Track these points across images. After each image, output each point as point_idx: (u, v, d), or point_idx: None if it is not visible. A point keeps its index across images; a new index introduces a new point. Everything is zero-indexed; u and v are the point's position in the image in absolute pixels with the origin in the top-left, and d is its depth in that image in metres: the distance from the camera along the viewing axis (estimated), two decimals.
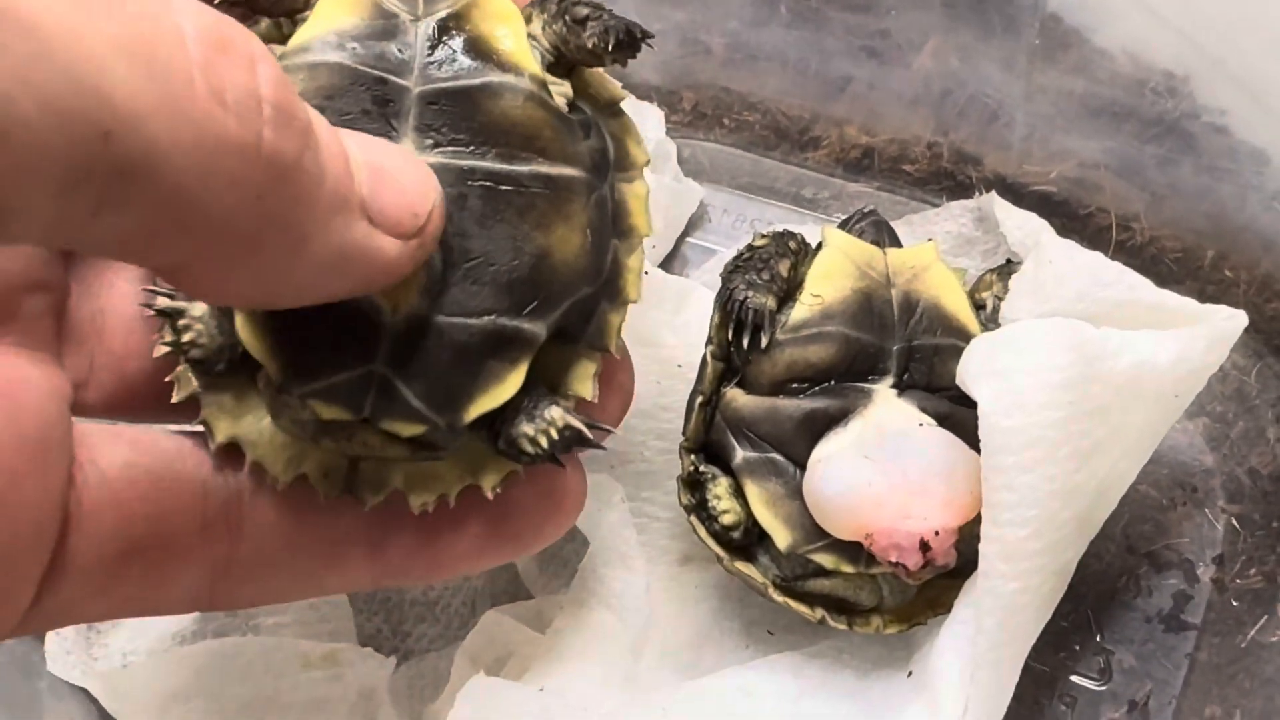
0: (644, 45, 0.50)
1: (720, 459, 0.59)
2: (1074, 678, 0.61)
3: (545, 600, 0.64)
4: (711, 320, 0.59)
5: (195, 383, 0.47)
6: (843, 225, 0.64)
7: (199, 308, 0.46)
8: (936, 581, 0.56)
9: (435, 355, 0.45)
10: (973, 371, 0.52)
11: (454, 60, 0.48)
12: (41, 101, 0.28)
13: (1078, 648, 0.62)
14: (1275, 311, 0.64)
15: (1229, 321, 0.54)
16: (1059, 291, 0.56)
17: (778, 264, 0.58)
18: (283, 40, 0.48)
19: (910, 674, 0.58)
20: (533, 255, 0.46)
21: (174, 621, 0.64)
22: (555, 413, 0.48)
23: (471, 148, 0.46)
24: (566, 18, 0.50)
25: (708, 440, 0.59)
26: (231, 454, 0.48)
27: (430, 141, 0.46)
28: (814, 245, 0.61)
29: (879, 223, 0.63)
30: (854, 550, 0.55)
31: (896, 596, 0.58)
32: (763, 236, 0.60)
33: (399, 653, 0.65)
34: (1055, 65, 0.64)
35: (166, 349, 0.47)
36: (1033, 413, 0.50)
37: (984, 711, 0.53)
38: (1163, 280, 0.63)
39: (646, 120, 0.73)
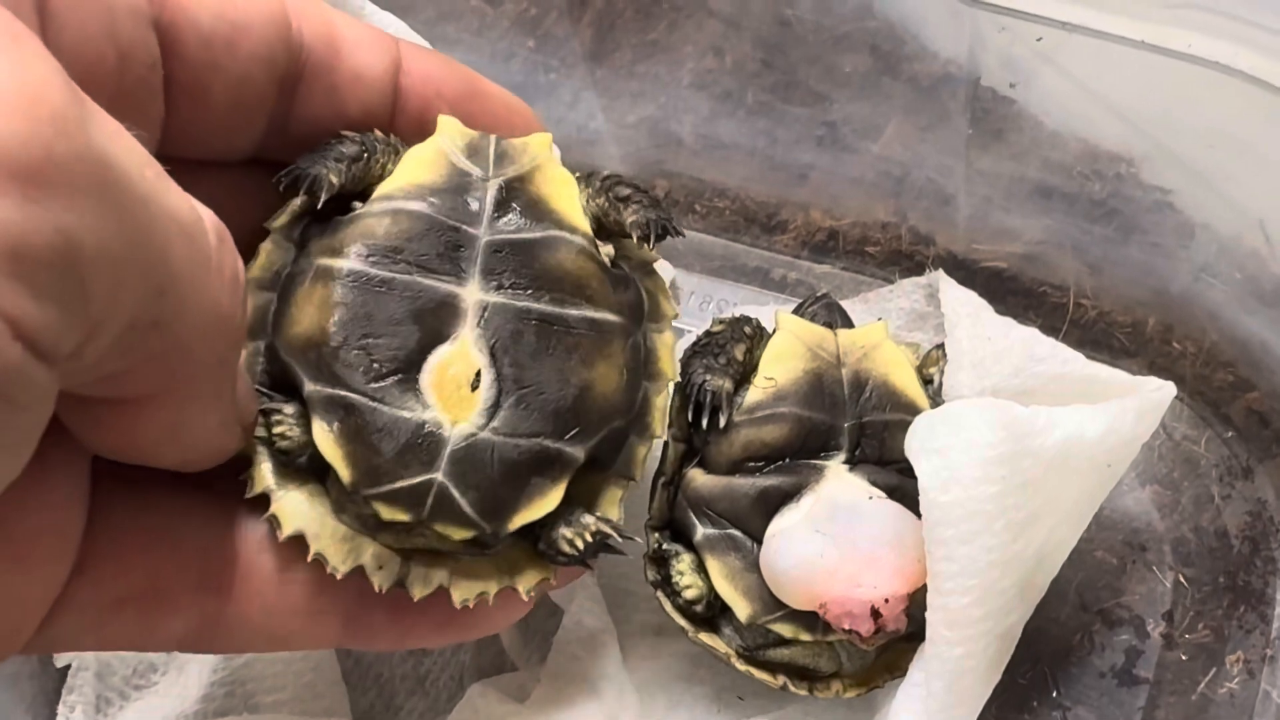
0: (674, 233, 0.58)
1: (683, 536, 0.62)
2: None
3: (527, 672, 0.67)
4: (672, 403, 0.62)
5: (269, 480, 0.51)
6: (797, 310, 0.67)
7: (291, 406, 0.52)
8: (893, 645, 0.59)
9: (488, 469, 0.51)
10: (914, 448, 0.55)
11: (518, 215, 0.54)
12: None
13: (1036, 704, 0.64)
14: (1222, 381, 0.66)
15: (1158, 392, 0.57)
16: (997, 367, 0.59)
17: (734, 348, 0.62)
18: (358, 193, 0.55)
19: None
20: (577, 387, 0.53)
21: (179, 702, 0.68)
22: (589, 520, 0.55)
23: (530, 291, 0.53)
24: (610, 195, 0.57)
25: (671, 518, 0.62)
26: (296, 545, 0.52)
27: (494, 283, 0.53)
28: (769, 329, 0.64)
29: (831, 305, 0.66)
30: (811, 619, 0.58)
31: (855, 661, 0.61)
32: (720, 322, 0.63)
33: None
34: (996, 149, 0.67)
35: (257, 440, 0.52)
36: (968, 487, 0.53)
37: None
38: (1116, 355, 0.67)
39: None
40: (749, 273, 0.77)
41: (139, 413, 0.41)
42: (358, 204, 0.54)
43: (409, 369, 0.52)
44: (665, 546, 0.61)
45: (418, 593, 0.53)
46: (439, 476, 0.51)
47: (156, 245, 0.36)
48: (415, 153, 0.55)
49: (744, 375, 0.62)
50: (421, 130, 0.56)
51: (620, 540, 0.56)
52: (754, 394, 0.60)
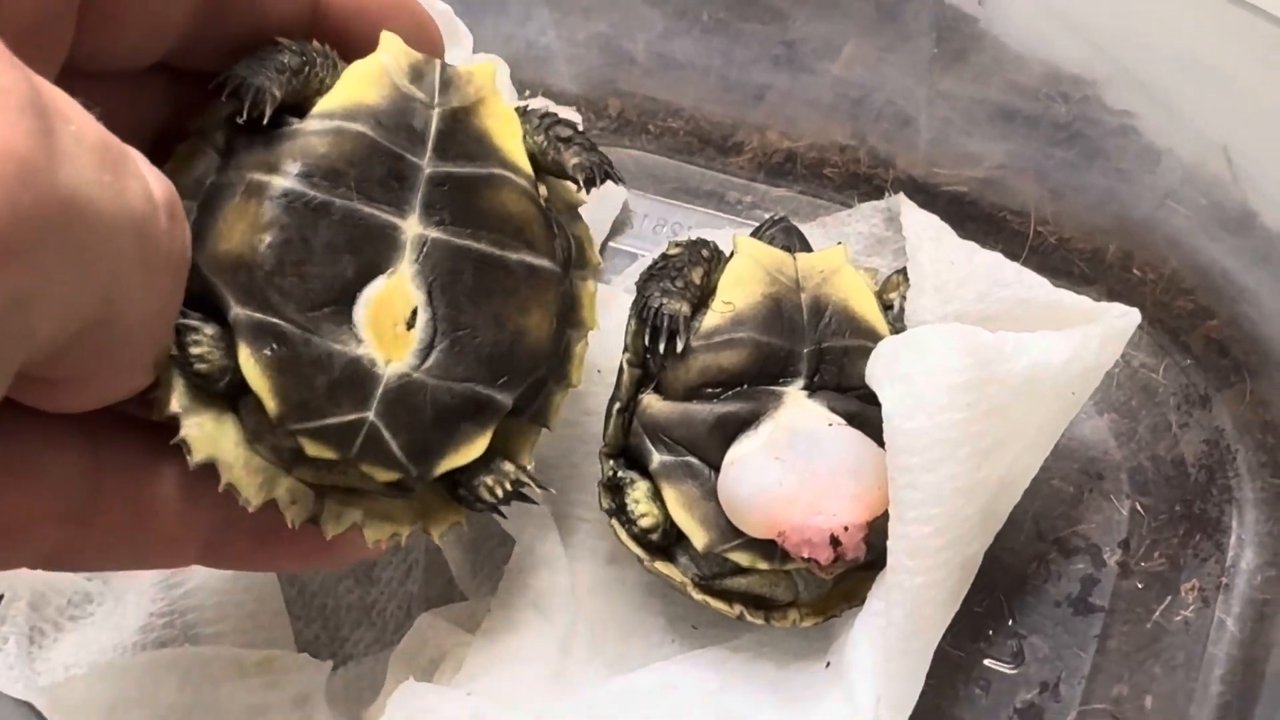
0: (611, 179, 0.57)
1: (639, 463, 0.60)
2: (988, 662, 0.64)
3: (477, 602, 0.66)
4: (628, 327, 0.61)
5: (177, 404, 0.49)
6: (754, 232, 0.65)
7: (211, 327, 0.49)
8: (851, 574, 0.58)
9: (420, 412, 0.51)
10: (878, 375, 0.54)
11: (462, 148, 0.53)
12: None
13: (991, 633, 0.64)
14: (1181, 310, 0.66)
15: (1122, 319, 0.56)
16: (960, 292, 0.58)
17: (691, 271, 0.60)
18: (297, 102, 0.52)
19: (828, 664, 0.59)
20: (512, 334, 0.53)
21: (115, 633, 0.66)
22: (509, 468, 0.55)
23: (471, 229, 0.52)
24: (550, 134, 0.56)
25: (626, 445, 0.61)
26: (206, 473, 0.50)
27: (435, 219, 0.51)
28: (727, 253, 0.62)
29: (789, 229, 0.65)
30: (769, 548, 0.57)
31: (812, 590, 0.60)
32: (676, 245, 0.61)
33: (336, 658, 0.67)
34: (959, 70, 0.65)
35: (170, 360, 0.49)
36: (933, 414, 0.52)
37: (896, 698, 0.55)
38: (1075, 281, 0.66)
39: None
40: (703, 195, 0.75)
41: (66, 386, 0.40)
42: (293, 119, 0.52)
43: (343, 300, 0.50)
44: (620, 474, 0.60)
45: (330, 530, 0.52)
46: (370, 416, 0.50)
47: (108, 262, 0.36)
48: (357, 69, 0.53)
49: (701, 299, 0.60)
50: (340, 48, 0.54)
51: (537, 490, 0.56)
52: (711, 319, 0.59)
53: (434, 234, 0.51)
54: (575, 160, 0.56)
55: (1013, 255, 0.66)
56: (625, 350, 0.61)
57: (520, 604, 0.63)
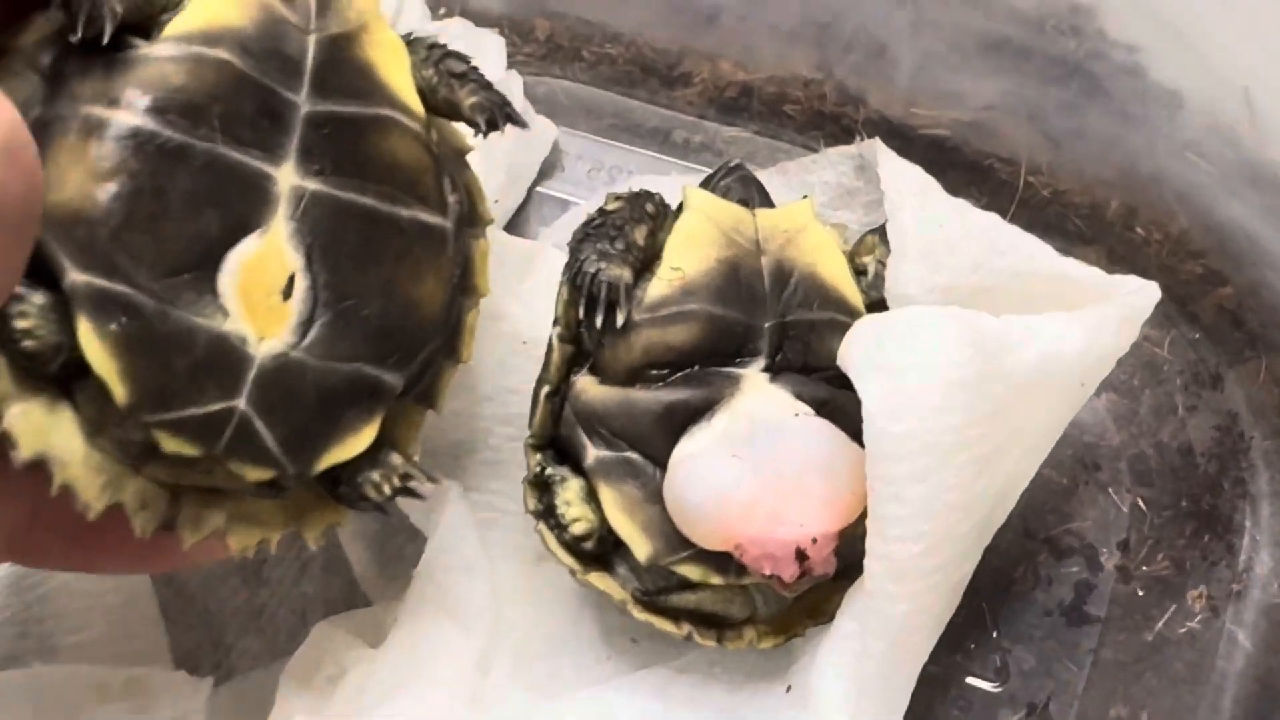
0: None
1: (571, 457, 0.52)
2: (969, 679, 0.56)
3: (383, 608, 0.58)
4: (559, 296, 0.52)
5: (4, 386, 0.41)
6: (705, 182, 0.56)
7: (40, 296, 0.41)
8: (816, 586, 0.50)
9: (299, 398, 0.44)
10: (856, 361, 0.46)
11: (344, 83, 0.45)
12: None
13: (973, 646, 0.56)
14: (1190, 274, 0.58)
15: (1139, 295, 0.48)
16: (950, 260, 0.49)
17: (633, 230, 0.51)
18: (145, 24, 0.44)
19: (789, 689, 0.52)
20: (403, 305, 0.46)
21: None
22: (397, 460, 0.48)
23: (356, 180, 0.45)
24: (441, 68, 0.49)
25: (556, 435, 0.52)
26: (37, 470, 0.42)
27: (316, 167, 0.44)
28: (674, 207, 0.53)
29: (746, 178, 0.56)
30: (723, 560, 0.49)
31: (771, 605, 0.52)
32: (616, 198, 0.53)
33: (219, 671, 0.60)
34: None
35: None
36: (926, 416, 0.43)
37: None
38: (1070, 240, 0.58)
39: (486, 51, 0.64)
40: (645, 134, 0.66)
41: None
42: (137, 40, 0.43)
43: (206, 264, 0.42)
44: (549, 471, 0.52)
45: (188, 538, 0.45)
46: (241, 404, 0.43)
47: None
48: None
49: (645, 263, 0.52)
50: None
51: (427, 485, 0.50)
52: (658, 287, 0.50)
53: (313, 185, 0.44)
54: (472, 100, 0.49)
55: (999, 209, 0.58)
56: (555, 323, 0.52)
57: (432, 613, 0.55)
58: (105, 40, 0.41)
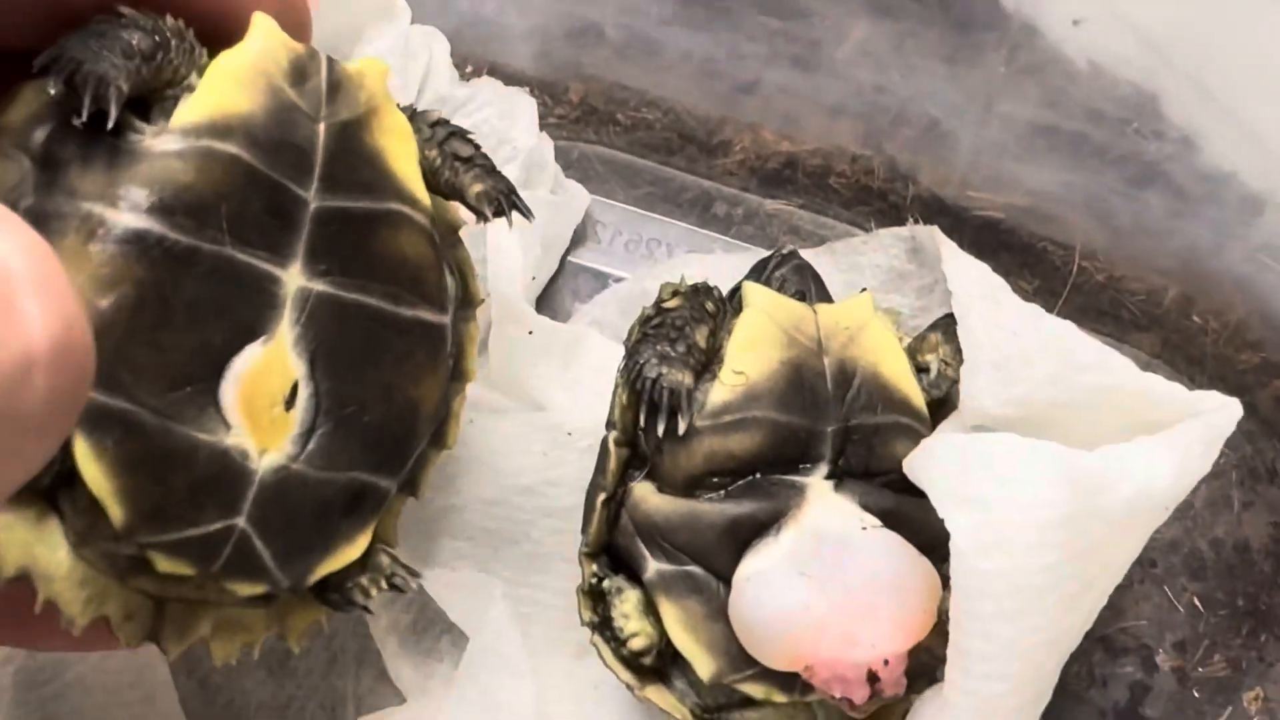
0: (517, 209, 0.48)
1: (626, 565, 0.50)
2: None
3: (420, 704, 0.55)
4: (615, 397, 0.50)
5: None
6: (758, 269, 0.54)
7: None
8: None
9: (297, 512, 0.42)
10: (939, 486, 0.44)
11: (353, 176, 0.43)
12: None
13: None
14: (1247, 364, 0.56)
15: (1221, 414, 0.47)
16: (1026, 373, 0.48)
17: (694, 331, 0.49)
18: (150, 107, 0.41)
19: None
20: (402, 409, 0.44)
21: None
22: (385, 562, 0.47)
23: (360, 280, 0.43)
24: (445, 150, 0.47)
25: (611, 542, 0.50)
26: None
27: (322, 267, 0.42)
28: (725, 293, 0.52)
29: (802, 268, 0.54)
30: (788, 679, 0.48)
31: (833, 719, 0.51)
32: (674, 293, 0.50)
33: None
34: (1024, 90, 0.54)
35: None
36: (1018, 556, 0.42)
37: None
38: (1123, 327, 0.56)
39: (517, 114, 0.61)
40: (684, 205, 0.63)
41: None
42: (141, 125, 0.40)
43: (209, 375, 0.40)
44: (606, 582, 0.50)
45: (172, 650, 0.43)
46: (241, 523, 0.41)
47: None
48: (226, 65, 0.41)
49: (704, 364, 0.49)
50: (196, 28, 0.42)
51: (411, 582, 0.47)
52: (720, 392, 0.48)
53: (319, 287, 0.42)
54: (478, 188, 0.47)
55: (1051, 293, 0.57)
56: (611, 425, 0.50)
57: (475, 716, 0.53)
58: (110, 125, 0.38)
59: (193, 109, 0.40)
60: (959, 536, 0.42)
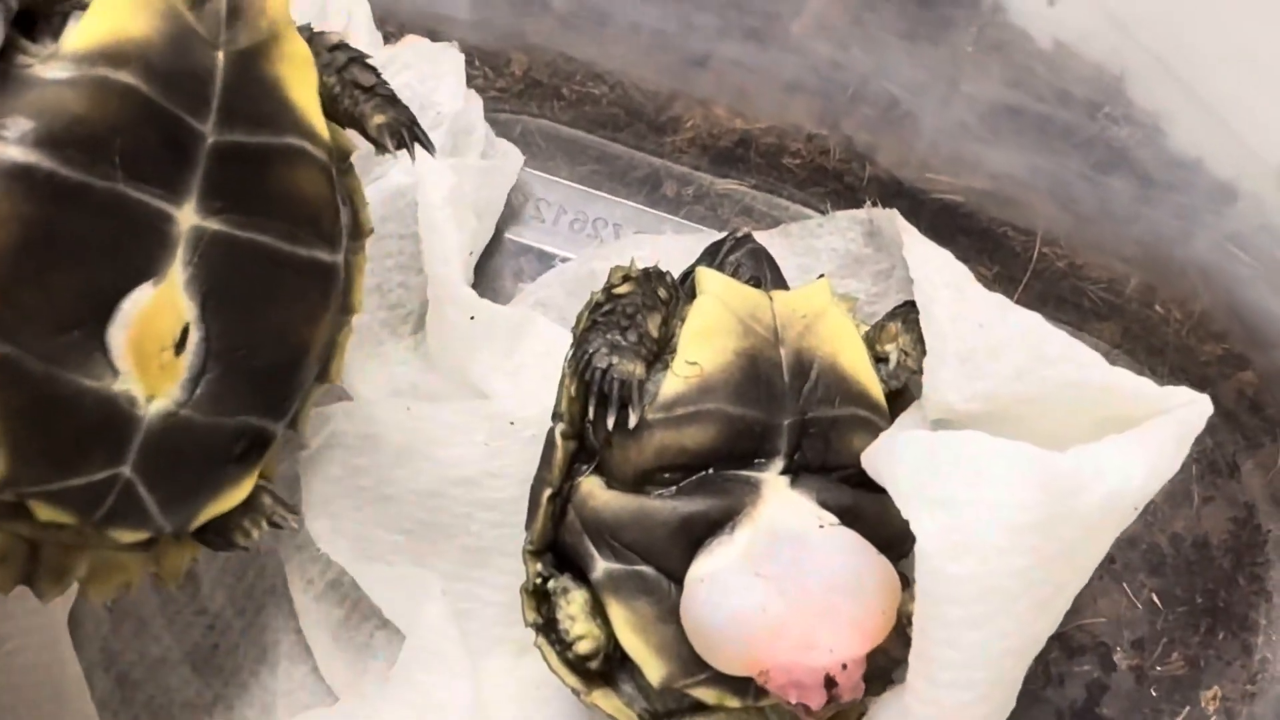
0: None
1: (571, 564, 0.48)
2: None
3: (353, 704, 0.53)
4: (562, 388, 0.47)
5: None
6: (711, 253, 0.52)
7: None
8: None
9: (183, 457, 0.41)
10: (903, 488, 0.42)
11: (252, 107, 0.41)
12: None
13: None
14: (1210, 356, 0.55)
15: (1191, 410, 0.45)
16: (992, 367, 0.46)
17: (646, 319, 0.47)
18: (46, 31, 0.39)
19: None
20: (294, 350, 0.43)
21: None
22: (266, 501, 0.46)
23: (256, 218, 0.41)
24: (344, 76, 0.45)
25: (556, 540, 0.48)
26: None
27: (218, 204, 0.40)
28: (679, 280, 0.49)
29: (757, 252, 0.52)
30: (741, 683, 0.46)
31: None
32: (626, 279, 0.48)
33: None
34: (992, 69, 0.52)
35: None
36: (989, 559, 0.40)
37: None
38: (1084, 316, 0.55)
39: (442, 75, 0.58)
40: (632, 184, 0.60)
41: None
42: (30, 47, 0.37)
43: (97, 317, 0.38)
44: (551, 582, 0.47)
45: (48, 594, 0.42)
46: (126, 470, 0.40)
47: None
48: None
49: (656, 353, 0.47)
50: None
51: (292, 520, 0.47)
52: (673, 384, 0.46)
53: (214, 226, 0.40)
54: (379, 119, 0.46)
55: (1010, 279, 0.56)
56: (558, 417, 0.47)
57: (410, 718, 0.50)
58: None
59: (86, 33, 0.37)
60: (925, 539, 0.40)
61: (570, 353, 0.47)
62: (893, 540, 0.47)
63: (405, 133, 0.46)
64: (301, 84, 0.42)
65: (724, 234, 0.53)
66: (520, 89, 0.60)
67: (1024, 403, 0.45)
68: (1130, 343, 0.53)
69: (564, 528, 0.47)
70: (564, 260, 0.59)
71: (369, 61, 0.46)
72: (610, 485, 0.47)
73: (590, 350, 0.46)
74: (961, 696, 0.41)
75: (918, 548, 0.41)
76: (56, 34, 0.38)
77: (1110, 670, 0.54)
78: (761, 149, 0.59)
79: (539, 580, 0.48)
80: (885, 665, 0.47)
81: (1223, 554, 0.55)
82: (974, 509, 0.40)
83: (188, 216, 0.39)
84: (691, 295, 0.49)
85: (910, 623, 0.44)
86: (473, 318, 0.52)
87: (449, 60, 0.59)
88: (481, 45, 0.60)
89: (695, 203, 0.60)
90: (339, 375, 0.48)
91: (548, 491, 0.47)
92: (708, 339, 0.47)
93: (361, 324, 0.55)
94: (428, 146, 0.47)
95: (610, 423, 0.45)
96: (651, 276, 0.48)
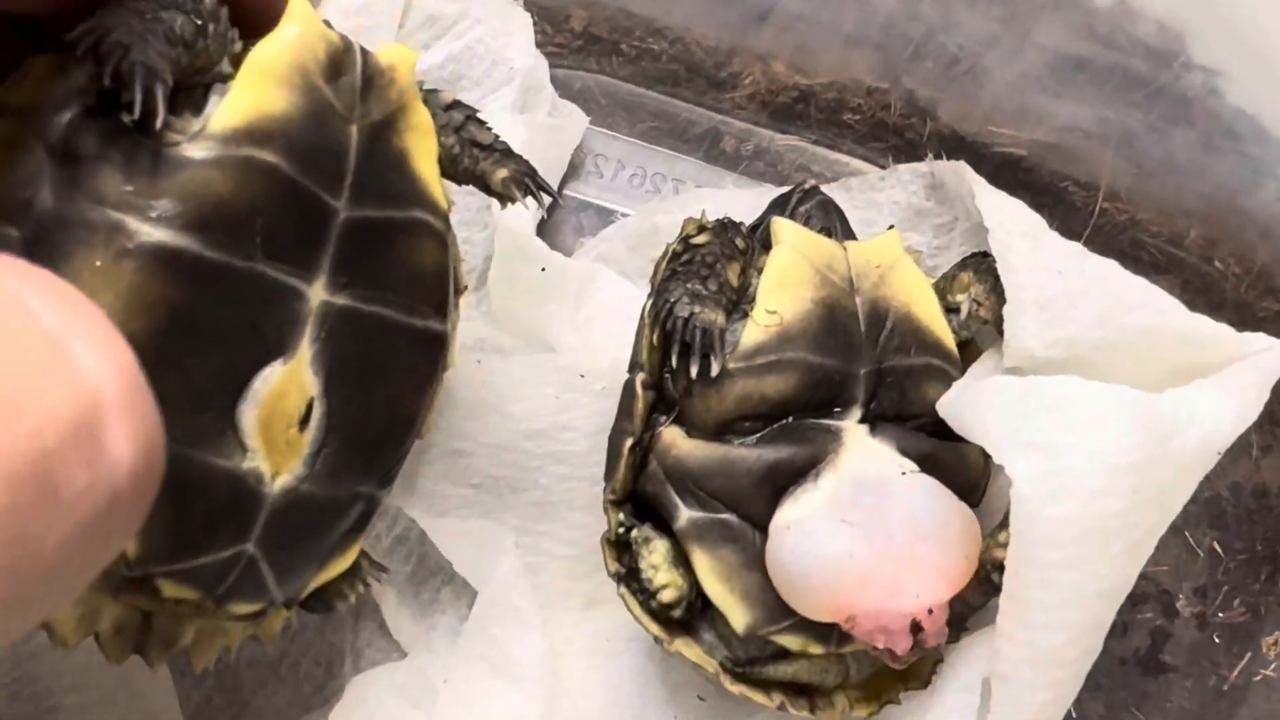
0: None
1: (653, 514, 0.48)
2: None
3: (427, 662, 0.53)
4: (641, 337, 0.47)
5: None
6: (779, 204, 0.52)
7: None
8: None
9: (300, 530, 0.41)
10: (996, 433, 0.42)
11: (381, 183, 0.41)
12: None
13: None
14: (1267, 311, 0.55)
15: (1270, 355, 0.45)
16: (1072, 313, 0.46)
17: (725, 269, 0.47)
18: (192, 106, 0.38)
19: None
20: (405, 423, 0.43)
21: None
22: (365, 565, 0.47)
23: (379, 291, 0.41)
24: (462, 135, 0.45)
25: (636, 490, 0.48)
26: None
27: (344, 280, 0.40)
28: (755, 231, 0.49)
29: (827, 204, 0.52)
30: (824, 629, 0.46)
31: (864, 670, 0.49)
32: (701, 229, 0.48)
33: None
34: (1060, 18, 0.52)
35: None
36: (1088, 501, 0.40)
37: None
38: (1143, 270, 0.55)
39: (513, 33, 0.58)
40: (691, 140, 0.60)
41: None
42: (176, 122, 0.36)
43: (231, 397, 0.38)
44: (634, 531, 0.47)
45: (155, 661, 0.42)
46: (250, 548, 0.40)
47: None
48: (264, 59, 0.38)
49: (734, 303, 0.47)
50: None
51: (381, 577, 0.48)
52: (753, 333, 0.46)
53: (340, 301, 0.40)
54: (502, 174, 0.45)
55: (1071, 233, 0.55)
56: (637, 367, 0.48)
57: (484, 671, 0.52)
58: (158, 125, 0.35)
59: (231, 111, 0.37)
60: (1022, 482, 0.41)
61: (649, 302, 0.47)
62: (968, 489, 0.47)
63: (530, 183, 0.46)
64: (425, 155, 0.42)
65: (787, 187, 0.53)
66: (579, 45, 0.60)
67: (1103, 349, 0.46)
68: (1189, 297, 0.53)
69: (645, 477, 0.48)
70: (624, 215, 0.59)
71: (483, 119, 0.46)
72: (691, 435, 0.47)
73: (672, 299, 0.46)
74: (1054, 639, 0.41)
75: (1014, 491, 0.41)
76: (198, 107, 0.37)
77: (1173, 618, 0.55)
78: (821, 104, 0.59)
79: (621, 530, 0.48)
80: (963, 612, 0.48)
81: None
82: (1073, 451, 0.40)
83: (317, 293, 0.39)
84: (766, 246, 0.49)
85: (993, 569, 0.45)
86: (544, 270, 0.52)
87: (519, 19, 0.58)
88: (541, 1, 0.59)
89: (754, 159, 0.59)
90: (429, 430, 0.47)
91: (629, 441, 0.47)
92: (786, 288, 0.47)
93: None
94: (549, 192, 0.47)
95: (694, 371, 0.45)
96: (727, 227, 0.48)
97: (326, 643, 0.54)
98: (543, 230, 0.59)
